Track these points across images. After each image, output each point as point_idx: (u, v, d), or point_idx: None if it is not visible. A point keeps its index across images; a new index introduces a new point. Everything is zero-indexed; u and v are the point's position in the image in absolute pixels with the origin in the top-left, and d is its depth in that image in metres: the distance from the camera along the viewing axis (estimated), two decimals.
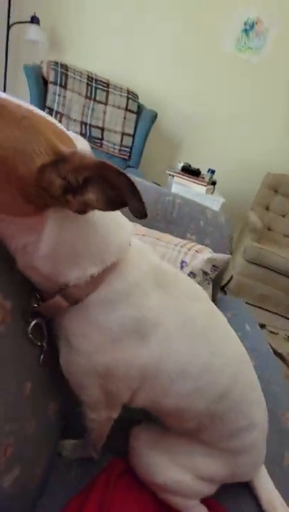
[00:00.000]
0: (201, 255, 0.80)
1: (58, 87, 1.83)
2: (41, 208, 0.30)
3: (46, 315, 0.39)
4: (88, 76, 1.91)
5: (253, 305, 2.00)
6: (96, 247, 0.35)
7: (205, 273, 0.79)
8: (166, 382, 0.41)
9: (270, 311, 2.04)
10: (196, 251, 0.82)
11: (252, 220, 2.04)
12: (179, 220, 0.96)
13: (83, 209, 0.29)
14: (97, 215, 0.34)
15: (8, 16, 1.91)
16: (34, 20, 1.89)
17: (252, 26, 2.03)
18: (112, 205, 0.28)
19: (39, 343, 0.41)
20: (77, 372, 0.41)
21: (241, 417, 0.46)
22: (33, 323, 0.39)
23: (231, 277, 2.02)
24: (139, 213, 0.26)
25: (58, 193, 0.27)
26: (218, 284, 1.00)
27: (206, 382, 0.43)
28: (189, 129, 2.34)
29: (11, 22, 1.92)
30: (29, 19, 1.89)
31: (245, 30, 2.05)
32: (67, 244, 0.33)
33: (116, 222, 0.38)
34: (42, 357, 0.42)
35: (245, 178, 2.42)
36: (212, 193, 2.02)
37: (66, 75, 1.84)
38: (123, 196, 0.26)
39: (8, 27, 1.93)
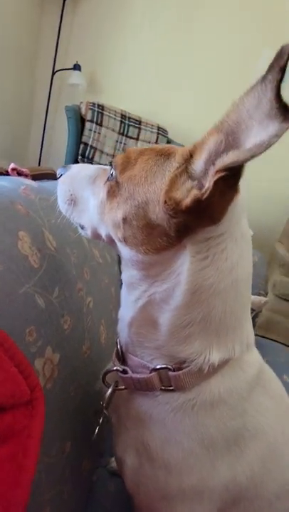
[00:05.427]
0: None
1: (94, 125, 1.96)
2: (177, 240, 0.26)
3: (125, 387, 0.32)
4: (122, 114, 2.04)
5: (283, 344, 1.87)
6: (232, 322, 0.28)
7: None
8: (264, 505, 0.32)
9: None
10: None
11: (281, 254, 1.96)
12: None
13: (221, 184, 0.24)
14: (240, 274, 0.28)
15: (54, 64, 2.14)
16: (76, 67, 2.09)
17: None
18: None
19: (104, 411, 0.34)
20: (152, 494, 0.30)
21: None
22: (110, 391, 0.32)
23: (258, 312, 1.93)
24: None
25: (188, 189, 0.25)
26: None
27: None
28: None
29: (55, 69, 2.14)
30: (72, 66, 2.09)
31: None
32: (204, 299, 0.27)
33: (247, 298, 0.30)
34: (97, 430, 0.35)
35: (271, 208, 2.37)
36: None
37: (102, 114, 1.97)
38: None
39: (53, 73, 2.15)
